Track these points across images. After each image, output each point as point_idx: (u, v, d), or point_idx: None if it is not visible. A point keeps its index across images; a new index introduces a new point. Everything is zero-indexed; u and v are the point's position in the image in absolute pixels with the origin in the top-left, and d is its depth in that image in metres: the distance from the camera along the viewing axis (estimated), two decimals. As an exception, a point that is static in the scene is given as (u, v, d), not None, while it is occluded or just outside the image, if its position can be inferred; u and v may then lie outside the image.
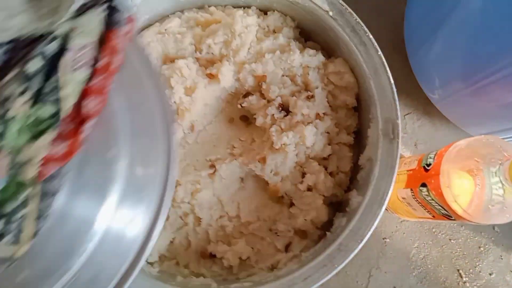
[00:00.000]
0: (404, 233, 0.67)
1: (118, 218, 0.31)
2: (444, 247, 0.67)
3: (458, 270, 0.66)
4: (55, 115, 0.28)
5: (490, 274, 0.66)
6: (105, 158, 0.32)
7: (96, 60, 0.31)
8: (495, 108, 0.57)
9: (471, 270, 0.66)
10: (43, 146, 0.27)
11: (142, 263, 0.32)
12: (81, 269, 0.30)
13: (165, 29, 0.59)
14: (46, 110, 0.28)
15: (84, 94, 0.30)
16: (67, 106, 0.29)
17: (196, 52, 0.58)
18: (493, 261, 0.66)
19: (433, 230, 0.68)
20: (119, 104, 0.34)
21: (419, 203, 0.55)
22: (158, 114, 0.36)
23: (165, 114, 0.36)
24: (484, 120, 0.63)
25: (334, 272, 0.46)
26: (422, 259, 0.66)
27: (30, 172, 0.27)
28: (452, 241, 0.67)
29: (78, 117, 0.29)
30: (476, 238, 0.67)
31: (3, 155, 0.27)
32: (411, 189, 0.55)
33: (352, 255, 0.47)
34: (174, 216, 0.55)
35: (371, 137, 0.53)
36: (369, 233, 0.47)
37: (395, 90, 0.50)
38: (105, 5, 0.32)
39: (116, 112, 0.33)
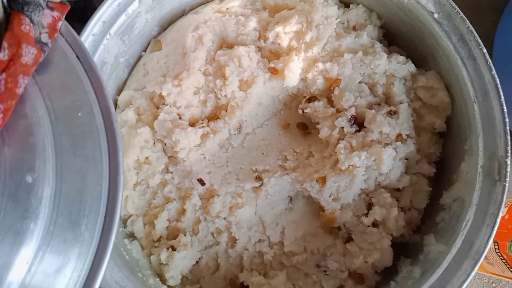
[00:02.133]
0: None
1: (42, 264, 0.25)
2: (504, 307, 0.57)
3: None
4: None
5: None
6: (22, 183, 0.25)
7: None
8: None
9: None
10: None
11: None
12: None
13: (227, 8, 0.49)
14: None
15: None
16: None
17: (259, 40, 0.48)
18: None
19: (493, 285, 0.58)
20: (41, 113, 0.27)
21: (504, 259, 0.45)
22: (96, 122, 0.29)
23: (106, 123, 0.29)
24: None
25: None
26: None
27: None
28: (514, 302, 0.57)
29: None
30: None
31: None
32: (496, 242, 0.46)
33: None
34: (204, 231, 0.46)
35: (465, 173, 0.43)
36: (457, 297, 0.37)
37: (507, 120, 0.40)
38: None
39: (37, 124, 0.27)
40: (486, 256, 0.47)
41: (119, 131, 0.29)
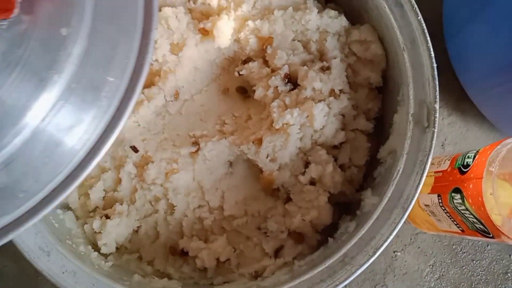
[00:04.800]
0: (419, 247, 0.57)
1: (58, 117, 0.26)
2: (464, 268, 0.57)
3: (479, 297, 0.56)
4: None
5: (516, 306, 0.55)
6: (56, 35, 0.25)
7: None
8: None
9: (493, 299, 0.56)
10: None
11: (78, 182, 0.27)
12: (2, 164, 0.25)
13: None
14: None
15: None
16: None
17: (189, 2, 0.47)
18: (522, 291, 0.56)
19: (454, 247, 0.58)
20: None
21: (447, 213, 0.44)
22: (136, 3, 0.28)
23: (147, 11, 0.28)
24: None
25: (333, 292, 0.36)
26: (437, 279, 0.56)
27: None
28: (474, 262, 0.57)
29: None
30: (503, 262, 0.57)
31: None
32: (439, 195, 0.45)
33: (359, 271, 0.37)
34: (142, 200, 0.45)
35: (397, 124, 0.42)
36: (385, 244, 0.37)
37: (435, 65, 0.39)
38: None
39: None
40: (434, 212, 0.47)
41: (157, 11, 0.28)
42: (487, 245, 0.57)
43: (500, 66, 0.49)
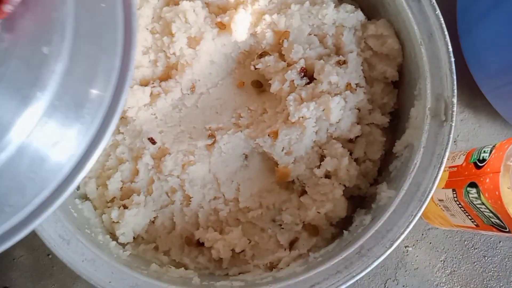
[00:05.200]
0: (430, 242, 0.57)
1: (42, 133, 0.26)
2: (476, 264, 0.57)
3: (490, 294, 0.55)
4: None
5: (527, 303, 0.55)
6: (37, 53, 0.26)
7: None
8: None
9: (505, 295, 0.56)
10: None
11: (65, 196, 0.27)
12: None
13: (171, -36, 0.48)
14: None
15: None
16: None
17: (207, -4, 0.48)
18: (534, 288, 0.56)
19: (465, 243, 0.57)
20: None
21: (462, 207, 0.44)
22: (117, 16, 0.28)
23: (126, 19, 0.29)
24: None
25: (350, 282, 0.36)
26: (448, 275, 0.56)
27: None
28: (486, 258, 0.57)
29: None
30: (516, 259, 0.57)
31: None
32: (454, 190, 0.45)
33: (376, 263, 0.37)
34: (159, 191, 0.45)
35: (414, 118, 0.42)
36: (402, 237, 0.37)
37: (453, 60, 0.39)
38: None
39: (61, 1, 0.27)
40: (448, 207, 0.47)
41: (136, 30, 0.29)
42: (499, 242, 0.57)
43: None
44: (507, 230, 0.39)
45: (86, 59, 0.28)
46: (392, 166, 0.44)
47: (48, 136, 0.27)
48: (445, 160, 0.38)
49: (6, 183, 0.26)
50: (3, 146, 0.25)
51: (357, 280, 0.55)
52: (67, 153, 0.27)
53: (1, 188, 0.26)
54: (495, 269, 0.57)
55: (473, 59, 0.57)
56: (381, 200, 0.41)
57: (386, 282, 0.56)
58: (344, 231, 0.42)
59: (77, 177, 0.28)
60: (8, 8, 0.24)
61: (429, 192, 0.37)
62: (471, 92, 0.59)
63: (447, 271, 0.56)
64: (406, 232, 0.37)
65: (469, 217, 0.44)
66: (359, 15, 0.46)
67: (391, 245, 0.37)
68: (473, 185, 0.41)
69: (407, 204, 0.38)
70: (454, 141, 0.59)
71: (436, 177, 0.38)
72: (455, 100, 0.38)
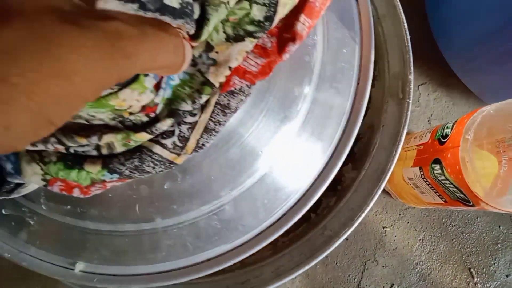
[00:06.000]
0: (408, 222, 0.57)
1: (279, 168, 0.30)
2: (454, 241, 0.57)
3: (469, 269, 0.56)
4: (268, 19, 0.24)
5: (507, 276, 0.56)
6: (290, 93, 0.29)
7: None
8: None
9: (484, 270, 0.56)
10: (240, 52, 0.24)
11: (291, 223, 0.31)
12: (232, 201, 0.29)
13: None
14: (258, 11, 0.24)
15: (301, 10, 0.26)
16: (283, 12, 0.25)
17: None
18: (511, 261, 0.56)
19: (443, 220, 0.58)
20: (318, 39, 0.29)
21: (429, 184, 0.45)
22: (354, 61, 0.31)
23: (362, 74, 0.32)
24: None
25: (312, 264, 0.37)
26: (428, 253, 0.57)
27: (220, 76, 0.24)
28: (464, 234, 0.57)
29: (287, 33, 0.26)
30: (493, 233, 0.57)
31: (196, 43, 0.22)
32: (421, 168, 0.45)
33: (338, 242, 0.37)
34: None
35: (374, 99, 0.42)
36: (362, 215, 0.37)
37: (408, 37, 0.39)
38: None
39: (313, 47, 0.29)
40: (417, 185, 0.47)
41: (370, 80, 0.32)
42: (477, 217, 0.58)
43: (480, 36, 0.49)
44: (471, 204, 0.39)
45: (323, 103, 0.30)
46: (357, 147, 0.44)
47: (284, 171, 0.30)
48: (403, 137, 0.38)
49: (245, 206, 0.30)
50: (250, 173, 0.29)
51: (336, 263, 0.57)
52: (296, 185, 0.31)
53: (240, 210, 0.29)
54: (473, 244, 0.57)
55: (441, 37, 0.57)
56: (345, 181, 0.42)
57: (365, 264, 0.56)
58: (311, 214, 0.43)
59: (302, 209, 0.31)
60: (286, 57, 0.26)
61: (388, 170, 0.38)
62: (443, 72, 0.59)
63: (426, 250, 0.57)
64: (366, 211, 0.37)
65: (437, 193, 0.45)
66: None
67: (352, 224, 0.37)
68: (437, 161, 0.41)
69: (365, 184, 0.38)
70: (428, 120, 0.60)
71: (394, 155, 0.38)
72: (412, 77, 0.38)
